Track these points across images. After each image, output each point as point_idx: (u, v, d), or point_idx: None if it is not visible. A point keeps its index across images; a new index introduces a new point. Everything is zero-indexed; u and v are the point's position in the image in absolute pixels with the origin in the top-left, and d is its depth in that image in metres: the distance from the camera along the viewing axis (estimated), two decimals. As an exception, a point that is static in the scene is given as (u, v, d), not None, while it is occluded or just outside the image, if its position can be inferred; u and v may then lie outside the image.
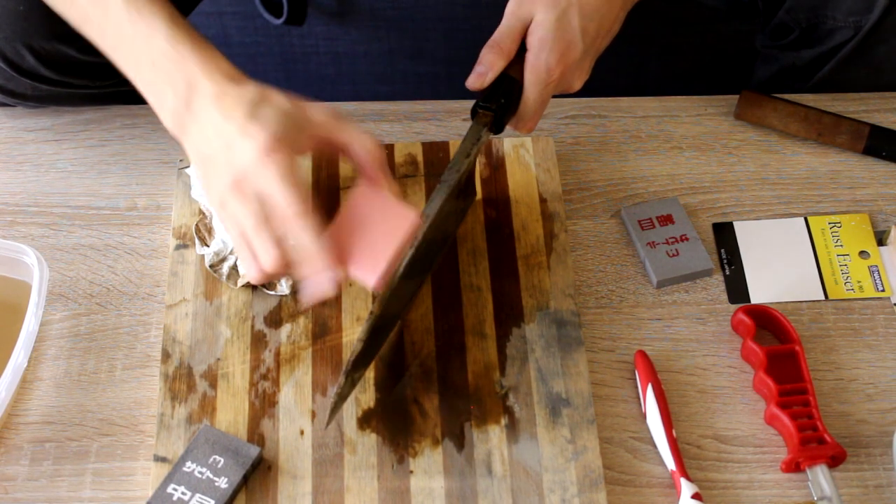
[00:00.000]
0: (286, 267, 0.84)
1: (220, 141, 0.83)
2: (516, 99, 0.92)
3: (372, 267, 0.85)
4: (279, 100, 0.84)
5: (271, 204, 0.81)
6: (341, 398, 0.89)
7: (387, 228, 0.86)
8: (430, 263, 0.96)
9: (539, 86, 0.91)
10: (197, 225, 1.00)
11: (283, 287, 0.98)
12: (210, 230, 1.00)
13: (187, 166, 1.04)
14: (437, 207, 0.89)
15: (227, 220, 0.84)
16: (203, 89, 0.84)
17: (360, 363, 0.88)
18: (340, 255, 0.85)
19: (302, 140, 0.84)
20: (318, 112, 0.86)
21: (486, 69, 0.91)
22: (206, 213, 1.00)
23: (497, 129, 0.92)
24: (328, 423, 0.90)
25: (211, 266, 0.98)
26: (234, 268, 0.98)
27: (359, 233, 0.86)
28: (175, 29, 0.85)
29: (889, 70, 1.13)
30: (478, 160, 1.06)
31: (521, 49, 0.92)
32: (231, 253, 0.98)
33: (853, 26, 1.10)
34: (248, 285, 0.98)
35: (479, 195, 1.03)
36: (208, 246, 0.99)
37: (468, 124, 1.11)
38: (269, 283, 0.98)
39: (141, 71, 0.86)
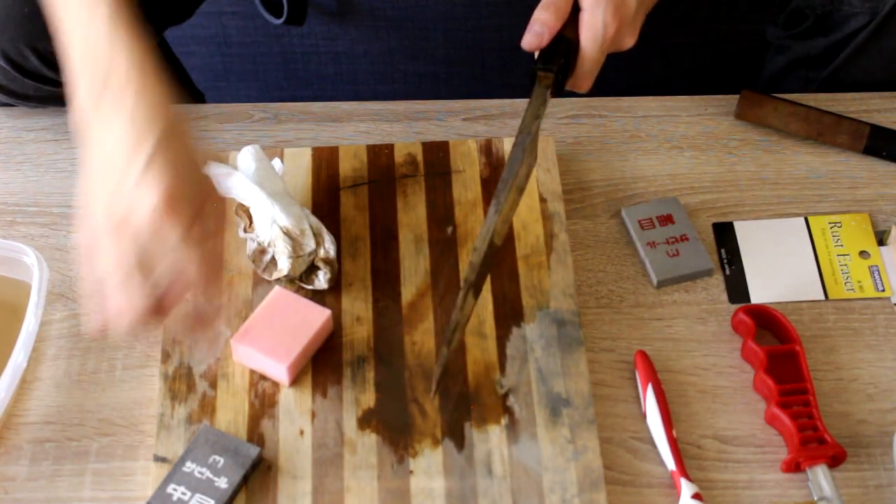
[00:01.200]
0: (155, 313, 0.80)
1: (119, 167, 0.78)
2: (573, 59, 0.92)
3: (285, 355, 0.91)
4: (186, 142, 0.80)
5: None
6: (445, 368, 0.89)
7: (302, 323, 0.93)
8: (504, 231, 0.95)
9: (596, 43, 0.91)
10: (237, 209, 0.99)
11: (321, 281, 0.97)
12: (251, 217, 0.99)
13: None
14: (515, 171, 0.89)
15: (98, 258, 0.79)
16: (117, 81, 0.80)
17: (455, 333, 0.89)
18: (255, 344, 0.92)
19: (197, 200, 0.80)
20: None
21: (542, 29, 0.90)
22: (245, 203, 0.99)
23: (557, 90, 0.92)
24: (434, 393, 0.91)
25: (252, 254, 0.98)
26: (273, 261, 0.97)
27: (275, 326, 0.93)
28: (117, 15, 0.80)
29: None
30: (478, 160, 1.06)
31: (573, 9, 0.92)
32: (269, 245, 0.97)
33: (869, 12, 1.10)
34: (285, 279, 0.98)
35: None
36: (251, 233, 0.98)
37: (468, 124, 1.11)
38: (306, 277, 0.98)
39: (73, 43, 0.81)
